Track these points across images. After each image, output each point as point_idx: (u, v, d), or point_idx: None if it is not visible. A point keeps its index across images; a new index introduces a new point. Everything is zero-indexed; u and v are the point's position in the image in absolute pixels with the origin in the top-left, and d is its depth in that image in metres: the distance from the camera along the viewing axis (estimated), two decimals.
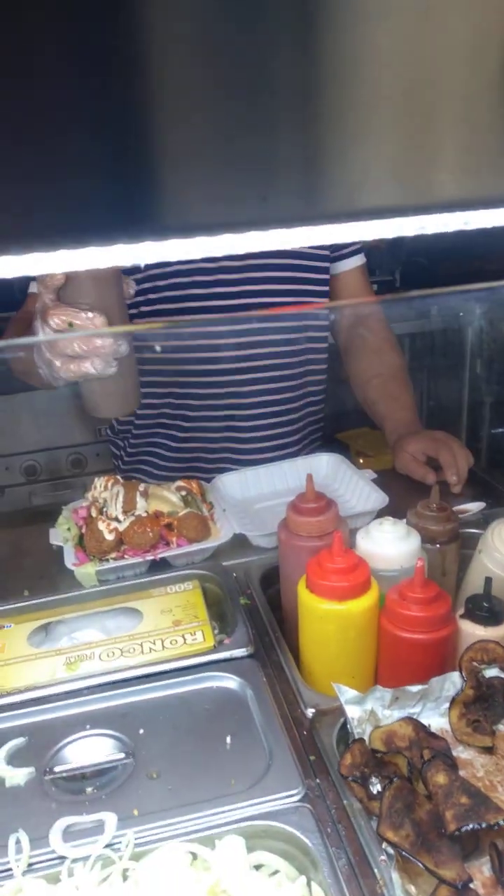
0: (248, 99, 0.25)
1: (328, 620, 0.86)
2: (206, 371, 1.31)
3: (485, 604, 0.88)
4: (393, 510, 1.12)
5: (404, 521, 1.02)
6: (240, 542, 1.11)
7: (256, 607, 0.99)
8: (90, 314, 0.89)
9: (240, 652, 0.89)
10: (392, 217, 0.28)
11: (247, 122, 0.25)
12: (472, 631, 0.87)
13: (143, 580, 1.04)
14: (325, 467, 1.27)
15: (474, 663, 0.82)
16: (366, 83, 0.26)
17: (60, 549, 1.09)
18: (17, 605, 1.02)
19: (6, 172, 0.25)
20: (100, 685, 0.86)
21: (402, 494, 1.24)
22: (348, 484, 1.20)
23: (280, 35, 0.25)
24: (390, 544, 0.92)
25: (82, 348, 0.89)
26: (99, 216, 0.26)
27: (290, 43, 0.25)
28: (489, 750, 0.75)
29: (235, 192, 0.26)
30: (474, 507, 1.15)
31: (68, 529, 1.11)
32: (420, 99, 0.27)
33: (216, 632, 0.98)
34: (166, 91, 0.25)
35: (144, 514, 1.07)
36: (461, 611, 0.89)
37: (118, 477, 1.16)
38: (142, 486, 1.11)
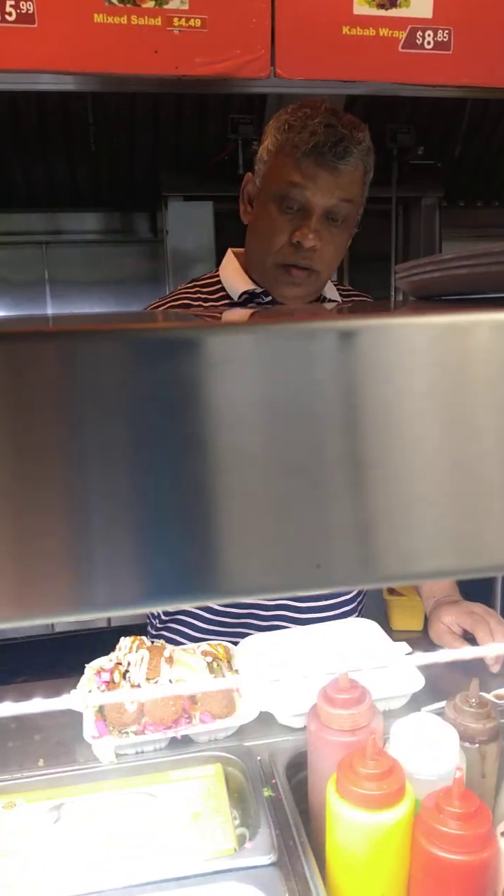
0: (302, 475, 0.26)
1: (358, 832, 0.80)
2: None
3: None
4: (427, 682, 1.07)
5: (440, 711, 0.97)
6: (265, 718, 1.06)
7: (281, 800, 0.93)
8: None
9: (262, 860, 0.83)
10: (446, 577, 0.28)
11: (301, 495, 0.26)
12: None
13: (162, 759, 0.99)
14: (357, 636, 1.22)
15: None
16: (415, 455, 0.27)
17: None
18: (30, 779, 0.98)
19: (81, 546, 0.25)
20: (105, 890, 0.80)
21: (436, 663, 1.19)
22: (382, 657, 1.16)
23: (333, 415, 0.26)
24: (427, 744, 0.87)
25: None
26: (162, 582, 0.26)
27: (340, 421, 0.26)
28: None
29: (292, 560, 0.26)
30: None
31: (90, 692, 1.08)
32: (469, 467, 0.27)
33: (237, 823, 0.92)
34: (226, 469, 0.25)
35: (168, 684, 1.03)
36: (502, 827, 0.83)
37: (144, 638, 1.13)
38: (167, 651, 1.08)
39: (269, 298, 1.32)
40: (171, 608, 1.37)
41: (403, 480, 0.26)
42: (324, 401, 0.26)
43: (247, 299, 1.35)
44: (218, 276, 1.41)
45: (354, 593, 1.39)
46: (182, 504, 0.25)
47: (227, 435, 0.25)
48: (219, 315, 0.52)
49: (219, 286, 1.39)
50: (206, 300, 1.37)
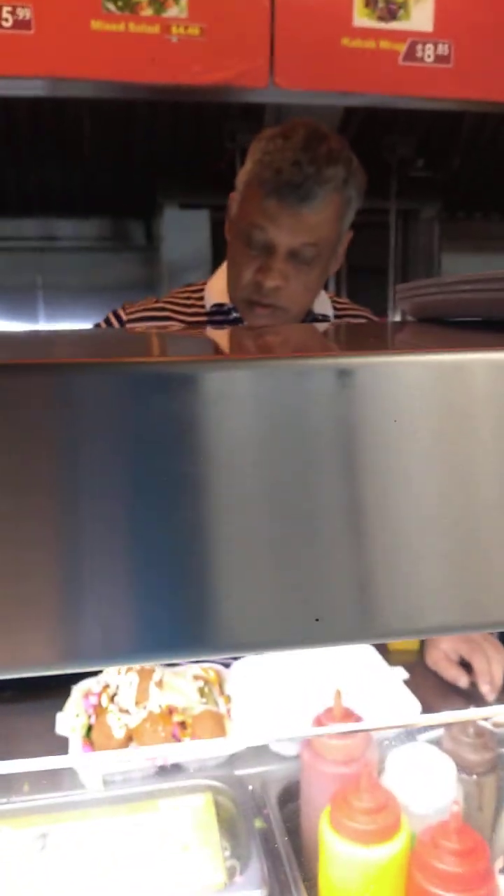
0: (301, 521, 0.25)
1: (352, 867, 0.78)
2: None
3: None
4: (423, 709, 1.05)
5: (437, 740, 0.95)
6: (257, 745, 1.03)
7: (272, 831, 0.90)
8: None
9: (253, 894, 0.80)
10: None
11: (300, 543, 0.25)
12: None
13: (151, 788, 0.96)
14: (352, 658, 1.20)
15: None
16: (419, 502, 0.25)
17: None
18: (15, 806, 0.95)
19: (68, 595, 0.24)
20: None
21: (433, 688, 1.17)
22: (376, 682, 1.13)
23: (331, 468, 0.25)
24: (423, 776, 0.85)
25: None
26: (154, 634, 0.25)
27: (339, 474, 0.25)
28: None
29: (290, 612, 0.25)
30: None
31: (77, 716, 1.05)
32: (475, 517, 0.26)
33: (227, 854, 0.89)
34: (222, 514, 0.24)
35: (157, 710, 1.00)
36: (500, 862, 0.81)
37: None
38: (157, 675, 1.06)
39: (237, 315, 1.31)
40: (160, 662, 1.35)
41: (406, 529, 0.25)
42: (324, 442, 0.24)
43: (215, 311, 1.34)
44: (204, 285, 1.40)
45: None
46: (175, 551, 0.24)
47: (222, 477, 0.23)
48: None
49: (201, 295, 1.39)
50: (185, 309, 1.37)
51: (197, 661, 1.24)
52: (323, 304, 1.39)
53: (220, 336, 0.45)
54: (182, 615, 0.24)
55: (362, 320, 1.48)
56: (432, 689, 1.16)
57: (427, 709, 1.08)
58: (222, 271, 1.38)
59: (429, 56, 1.86)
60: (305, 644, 0.25)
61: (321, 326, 1.13)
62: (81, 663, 0.25)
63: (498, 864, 0.80)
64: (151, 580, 0.24)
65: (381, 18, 1.82)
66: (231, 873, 0.86)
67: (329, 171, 1.15)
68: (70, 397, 0.23)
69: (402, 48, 1.85)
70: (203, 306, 1.37)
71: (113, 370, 0.24)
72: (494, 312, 0.39)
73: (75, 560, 0.24)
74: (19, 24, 1.70)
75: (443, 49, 1.86)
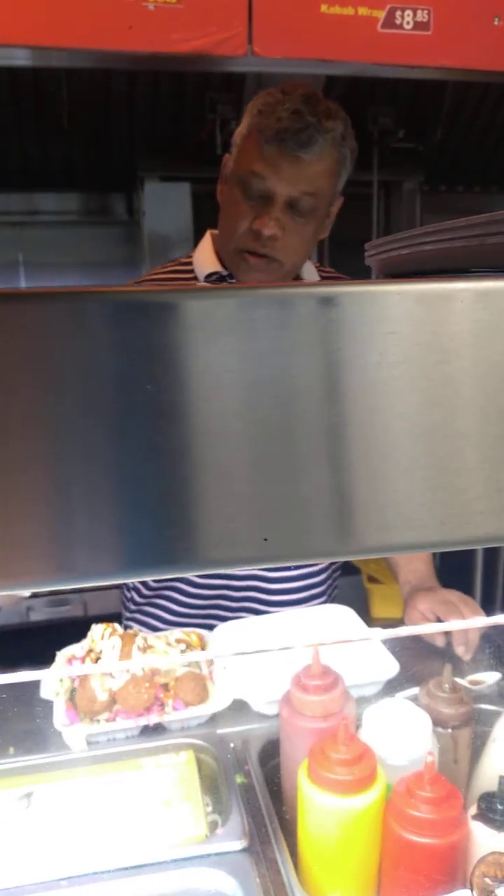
0: (278, 442, 0.26)
1: (329, 816, 0.80)
2: None
3: (499, 805, 0.81)
4: (401, 669, 1.07)
5: (414, 697, 0.97)
6: (239, 705, 1.05)
7: (254, 787, 0.93)
8: None
9: (234, 845, 0.82)
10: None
11: (278, 463, 0.26)
12: (485, 836, 0.80)
13: (134, 747, 0.98)
14: (332, 622, 1.22)
15: (486, 879, 0.75)
16: (394, 423, 0.27)
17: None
18: (1, 767, 0.96)
19: (55, 515, 0.25)
20: (78, 876, 0.79)
21: (411, 650, 1.19)
22: (356, 644, 1.15)
23: (309, 382, 0.26)
24: (399, 729, 0.87)
25: None
26: (139, 552, 0.26)
27: (317, 397, 0.26)
28: None
29: (269, 530, 0.26)
30: (489, 677, 1.09)
31: (61, 681, 1.06)
32: (449, 438, 0.27)
33: (209, 809, 0.91)
34: (203, 436, 0.25)
35: (140, 672, 1.02)
36: (473, 810, 0.83)
37: (116, 626, 1.12)
38: (139, 639, 1.07)
39: (234, 282, 1.30)
40: (146, 578, 1.37)
41: (382, 449, 0.26)
42: (300, 368, 0.25)
43: (214, 282, 1.33)
44: (189, 259, 1.39)
45: (323, 577, 1.38)
46: (158, 473, 0.25)
47: (201, 402, 0.24)
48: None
49: (191, 268, 1.37)
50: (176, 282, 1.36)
51: (178, 623, 1.25)
52: (309, 271, 1.39)
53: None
54: (165, 533, 0.25)
55: None
56: (410, 650, 1.18)
57: (405, 669, 1.10)
58: (206, 242, 1.37)
59: (408, 23, 1.84)
60: (285, 559, 0.26)
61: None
62: (67, 580, 0.26)
63: (471, 812, 0.82)
64: (134, 499, 0.25)
65: None
66: (213, 827, 0.88)
67: (328, 122, 1.16)
68: (55, 325, 0.24)
69: (381, 14, 1.83)
70: (195, 280, 1.36)
71: (99, 298, 0.24)
72: (459, 263, 0.40)
73: (62, 480, 0.25)
74: None
75: (422, 15, 1.85)
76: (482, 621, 1.19)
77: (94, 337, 0.24)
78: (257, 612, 1.31)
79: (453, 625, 1.16)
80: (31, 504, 0.25)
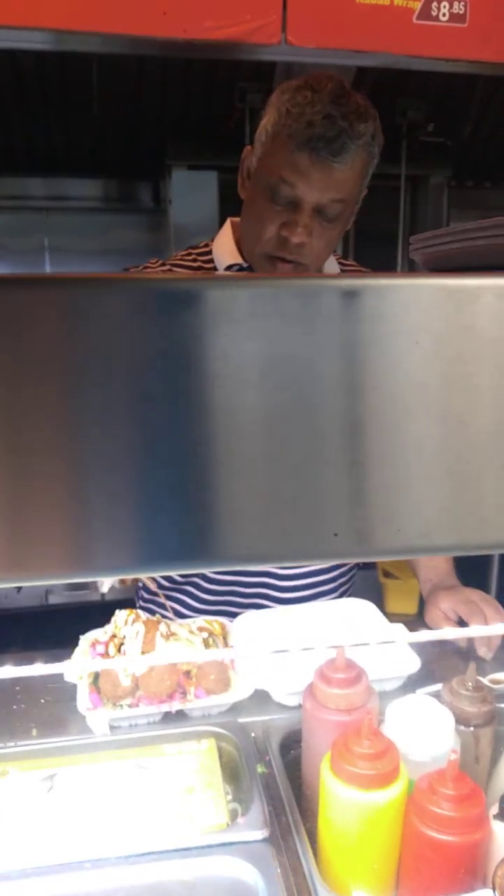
0: (301, 439, 0.26)
1: (351, 810, 0.80)
2: None
3: None
4: (422, 666, 1.07)
5: (437, 693, 0.97)
6: (260, 695, 1.05)
7: (274, 777, 0.93)
8: None
9: (254, 835, 0.83)
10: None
11: (299, 461, 0.26)
12: None
13: (156, 733, 0.99)
14: (354, 616, 1.22)
15: None
16: (414, 432, 0.26)
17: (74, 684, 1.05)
18: (24, 749, 0.98)
19: (77, 508, 0.24)
20: (99, 860, 0.80)
21: (431, 646, 1.19)
22: (379, 636, 1.15)
23: (334, 378, 0.26)
24: (422, 726, 0.87)
25: None
26: (159, 546, 0.26)
27: (340, 394, 0.26)
28: None
29: (289, 527, 0.26)
30: None
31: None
32: (470, 441, 0.27)
33: (230, 798, 0.92)
34: (225, 430, 0.25)
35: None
36: (495, 809, 0.83)
37: (140, 612, 1.12)
38: (163, 626, 1.08)
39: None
40: (167, 573, 1.37)
41: (404, 451, 0.26)
42: (325, 362, 0.25)
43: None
44: (210, 245, 1.38)
45: (334, 574, 1.38)
46: (180, 466, 0.24)
47: (226, 396, 0.24)
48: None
49: (209, 255, 1.36)
50: (195, 272, 1.35)
51: (189, 616, 1.26)
52: (330, 264, 1.38)
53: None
54: (188, 528, 0.25)
55: None
56: (430, 646, 1.18)
57: (425, 667, 1.10)
58: (226, 231, 1.36)
59: (444, 14, 1.82)
60: (303, 559, 0.26)
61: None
62: (91, 573, 0.26)
63: (492, 811, 0.82)
64: (157, 493, 0.25)
65: None
66: (233, 815, 0.88)
67: (360, 126, 1.13)
68: (79, 313, 0.23)
69: (417, 6, 1.81)
70: (213, 269, 1.36)
71: (123, 286, 0.24)
72: None
73: (85, 473, 0.24)
74: None
75: (458, 7, 1.83)
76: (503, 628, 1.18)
77: (117, 326, 0.24)
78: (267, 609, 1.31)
79: (475, 630, 1.15)
80: (58, 499, 0.25)
